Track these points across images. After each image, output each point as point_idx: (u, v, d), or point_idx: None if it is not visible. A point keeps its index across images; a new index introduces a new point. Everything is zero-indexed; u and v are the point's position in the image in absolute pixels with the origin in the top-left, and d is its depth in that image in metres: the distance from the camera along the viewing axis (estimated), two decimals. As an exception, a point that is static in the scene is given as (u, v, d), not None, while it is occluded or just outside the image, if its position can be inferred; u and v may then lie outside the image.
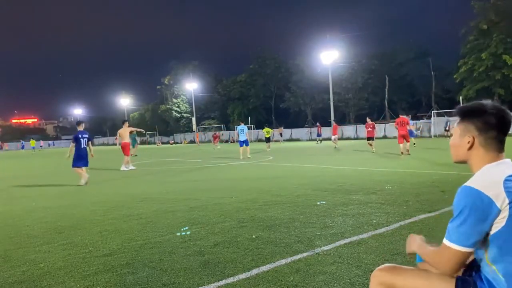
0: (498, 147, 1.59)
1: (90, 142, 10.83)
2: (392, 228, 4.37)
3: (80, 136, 10.57)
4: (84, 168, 10.57)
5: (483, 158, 1.59)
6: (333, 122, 25.06)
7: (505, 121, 1.56)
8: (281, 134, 45.98)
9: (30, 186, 10.64)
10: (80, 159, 10.52)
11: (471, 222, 1.45)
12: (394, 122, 20.05)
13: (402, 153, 15.42)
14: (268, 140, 26.49)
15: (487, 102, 1.61)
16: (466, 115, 1.63)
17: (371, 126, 18.81)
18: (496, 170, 1.54)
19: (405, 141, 15.68)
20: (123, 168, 14.58)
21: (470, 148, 1.61)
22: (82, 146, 10.55)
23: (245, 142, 17.83)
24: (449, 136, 33.98)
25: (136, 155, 24.63)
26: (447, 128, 34.39)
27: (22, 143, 63.58)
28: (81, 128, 10.83)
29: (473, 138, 1.59)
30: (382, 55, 53.47)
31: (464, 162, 1.67)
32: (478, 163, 1.60)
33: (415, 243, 1.80)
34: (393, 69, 52.04)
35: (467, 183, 1.52)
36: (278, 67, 62.67)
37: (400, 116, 17.91)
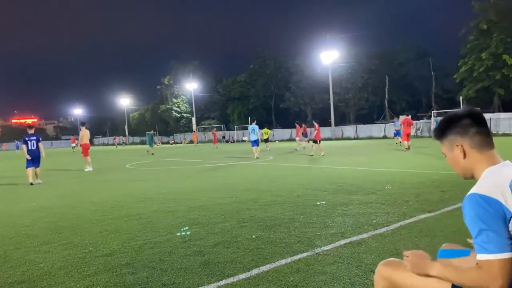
0: (487, 141, 1.57)
1: (40, 144, 11.39)
2: (392, 228, 4.37)
3: (27, 138, 11.26)
4: (36, 169, 11.20)
5: (481, 160, 1.57)
6: (296, 124, 25.62)
7: (475, 114, 1.59)
8: (304, 134, 46.00)
9: (30, 186, 10.62)
10: (30, 160, 11.13)
11: (495, 227, 1.38)
12: (399, 120, 21.86)
13: (406, 148, 17.44)
14: (266, 140, 27.01)
15: (457, 110, 1.67)
16: (444, 130, 1.64)
17: (317, 129, 19.20)
18: (499, 173, 1.50)
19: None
20: (88, 169, 14.78)
21: (465, 156, 1.59)
22: (29, 148, 11.16)
23: (256, 142, 17.95)
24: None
25: (153, 154, 25.95)
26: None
27: (17, 143, 62.04)
28: (31, 131, 11.57)
29: (461, 145, 1.59)
30: (382, 55, 53.48)
31: (469, 176, 1.63)
32: (480, 168, 1.57)
33: (430, 266, 1.60)
34: (393, 69, 52.04)
35: (473, 191, 1.47)
36: (278, 67, 62.63)
37: (407, 116, 19.37)
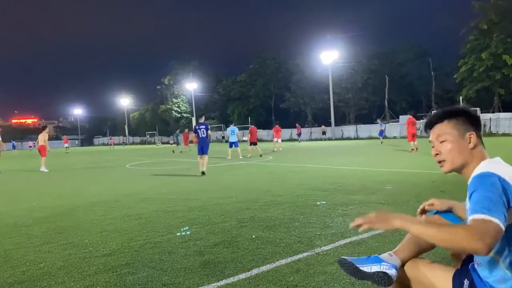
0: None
1: (208, 132, 11.43)
2: (392, 228, 4.36)
3: (197, 127, 11.39)
4: (204, 156, 11.08)
5: (481, 156, 1.59)
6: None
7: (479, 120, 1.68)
8: (324, 133, 46.27)
9: (30, 186, 10.63)
10: (199, 147, 11.20)
11: (502, 201, 1.35)
12: (401, 121, 21.65)
13: (412, 149, 17.08)
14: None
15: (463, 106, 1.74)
16: (457, 114, 1.64)
17: (250, 131, 19.66)
18: (502, 164, 1.51)
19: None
20: (42, 169, 15.39)
21: (474, 147, 1.59)
22: (200, 136, 11.26)
23: (235, 144, 18.05)
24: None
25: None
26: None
27: (13, 143, 61.15)
28: (201, 120, 11.71)
29: (475, 135, 1.60)
30: (382, 55, 53.56)
31: (461, 167, 1.61)
32: (476, 163, 1.57)
33: (394, 218, 1.57)
34: (393, 69, 52.11)
35: (487, 170, 1.45)
36: (278, 67, 62.68)
37: (410, 116, 19.05)
